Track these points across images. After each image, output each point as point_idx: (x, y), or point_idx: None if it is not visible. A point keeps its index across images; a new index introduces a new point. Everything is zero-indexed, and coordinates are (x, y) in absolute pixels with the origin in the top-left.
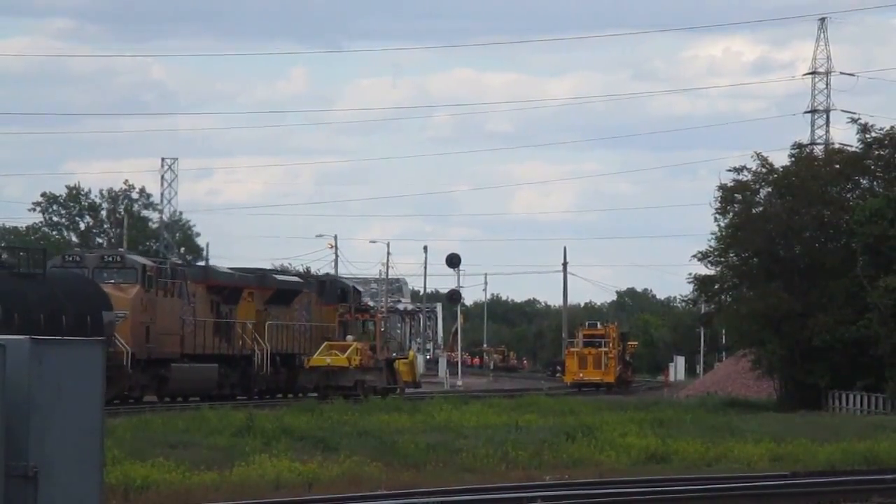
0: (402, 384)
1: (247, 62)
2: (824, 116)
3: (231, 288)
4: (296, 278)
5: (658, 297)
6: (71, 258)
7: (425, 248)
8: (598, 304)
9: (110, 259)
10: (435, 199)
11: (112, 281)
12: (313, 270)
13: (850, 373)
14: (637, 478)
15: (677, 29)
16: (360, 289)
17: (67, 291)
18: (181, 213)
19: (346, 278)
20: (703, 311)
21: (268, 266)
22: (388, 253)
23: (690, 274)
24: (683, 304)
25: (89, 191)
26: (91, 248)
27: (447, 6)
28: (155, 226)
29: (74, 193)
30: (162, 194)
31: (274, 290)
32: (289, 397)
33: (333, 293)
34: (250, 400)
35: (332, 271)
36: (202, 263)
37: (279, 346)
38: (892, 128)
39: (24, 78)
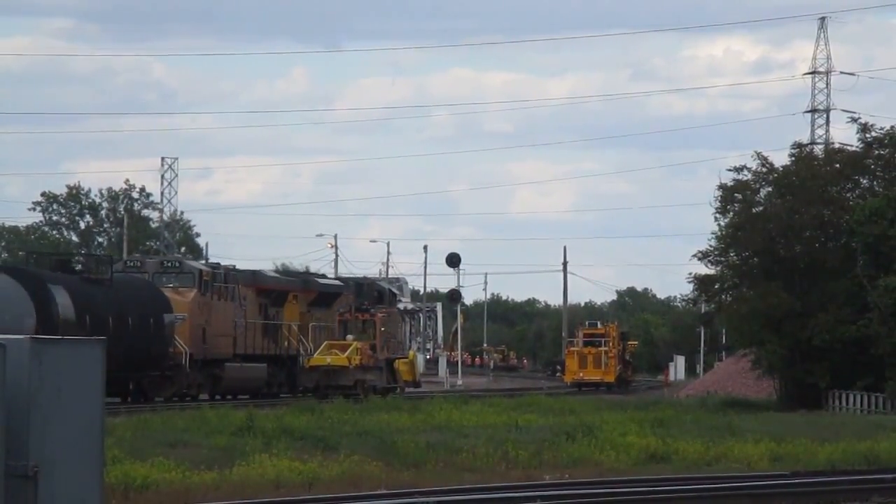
0: (403, 384)
1: (247, 62)
2: (824, 116)
3: (278, 291)
4: (336, 282)
5: (658, 296)
6: (132, 264)
7: (425, 247)
8: (598, 303)
9: (169, 265)
10: (435, 198)
11: (171, 285)
12: (313, 270)
13: (850, 373)
14: (637, 478)
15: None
16: (396, 291)
17: (132, 295)
18: (181, 212)
19: (346, 278)
20: (703, 310)
21: (268, 266)
22: (388, 253)
23: (690, 274)
24: (683, 303)
25: (89, 190)
26: (151, 254)
27: (447, 6)
28: (155, 225)
29: (74, 193)
30: (162, 194)
31: (316, 293)
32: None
33: (371, 295)
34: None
35: (332, 271)
36: (252, 268)
37: (321, 346)
38: (892, 127)
39: (24, 78)
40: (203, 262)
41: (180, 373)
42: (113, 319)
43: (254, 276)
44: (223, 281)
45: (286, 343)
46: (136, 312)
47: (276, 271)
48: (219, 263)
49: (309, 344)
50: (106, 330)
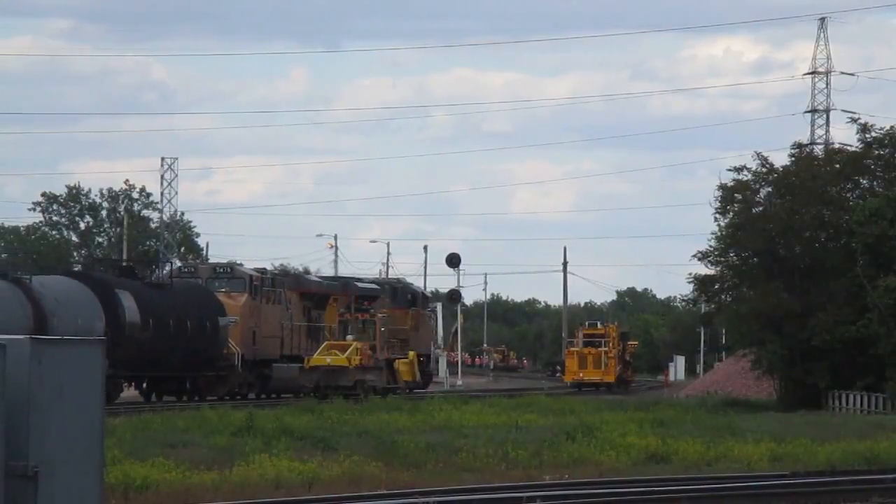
0: (403, 384)
1: (247, 62)
2: (824, 116)
3: (320, 295)
4: (373, 285)
5: (658, 297)
6: (186, 269)
7: (425, 247)
8: (598, 304)
9: (221, 270)
10: (434, 198)
11: (223, 290)
12: (313, 270)
13: (850, 373)
14: (637, 478)
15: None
16: (428, 294)
17: (190, 299)
18: (181, 212)
19: (345, 278)
20: (703, 310)
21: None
22: (388, 253)
23: (690, 274)
24: (683, 304)
25: (89, 191)
26: (203, 261)
27: (446, 6)
28: (155, 226)
29: (74, 193)
30: (162, 194)
31: (355, 296)
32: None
33: (404, 298)
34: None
35: (333, 271)
36: (295, 272)
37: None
38: (892, 127)
39: (24, 78)
40: (252, 267)
41: (233, 373)
42: (173, 322)
43: (298, 281)
44: (271, 285)
45: None
46: (194, 316)
47: (354, 278)
48: (266, 269)
49: (382, 346)
50: (167, 332)
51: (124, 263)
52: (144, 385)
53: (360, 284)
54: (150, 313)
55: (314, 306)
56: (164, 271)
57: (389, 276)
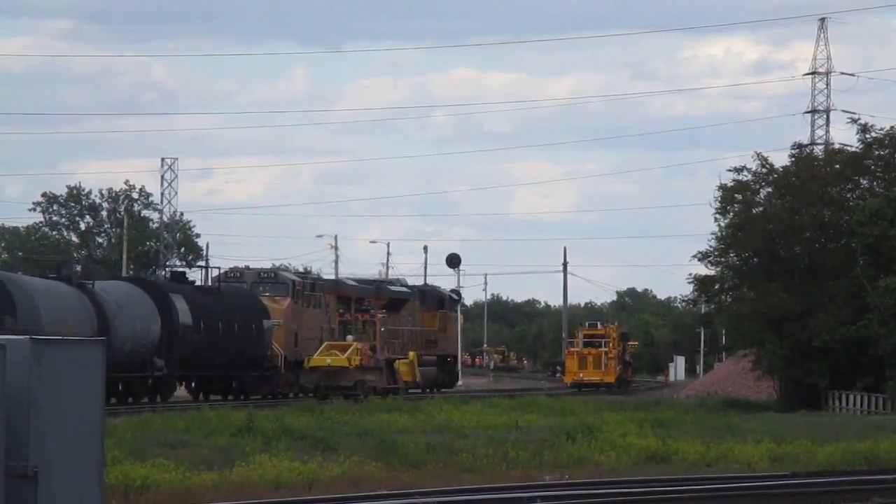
0: (403, 384)
1: (247, 62)
2: (824, 116)
3: (355, 298)
4: (404, 288)
5: (658, 297)
6: (232, 274)
7: (425, 248)
8: (598, 304)
9: (266, 275)
10: (435, 199)
11: (267, 294)
12: (314, 270)
13: (850, 373)
14: (637, 478)
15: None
16: (456, 297)
17: (237, 303)
18: (181, 213)
19: (378, 281)
20: (703, 311)
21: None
22: (388, 253)
23: (690, 274)
24: (683, 304)
25: (89, 191)
26: (249, 267)
27: (447, 6)
28: (155, 226)
29: (74, 193)
30: (162, 194)
31: (388, 299)
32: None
33: (433, 300)
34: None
35: (333, 271)
36: (332, 277)
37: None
38: (892, 128)
39: (24, 78)
40: (294, 272)
41: (276, 373)
42: (222, 325)
43: (335, 285)
44: (311, 290)
45: None
46: (241, 319)
47: (387, 282)
48: (306, 273)
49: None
50: (217, 334)
51: (172, 269)
52: (193, 384)
53: (392, 288)
54: (201, 316)
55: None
56: (213, 276)
57: (389, 276)
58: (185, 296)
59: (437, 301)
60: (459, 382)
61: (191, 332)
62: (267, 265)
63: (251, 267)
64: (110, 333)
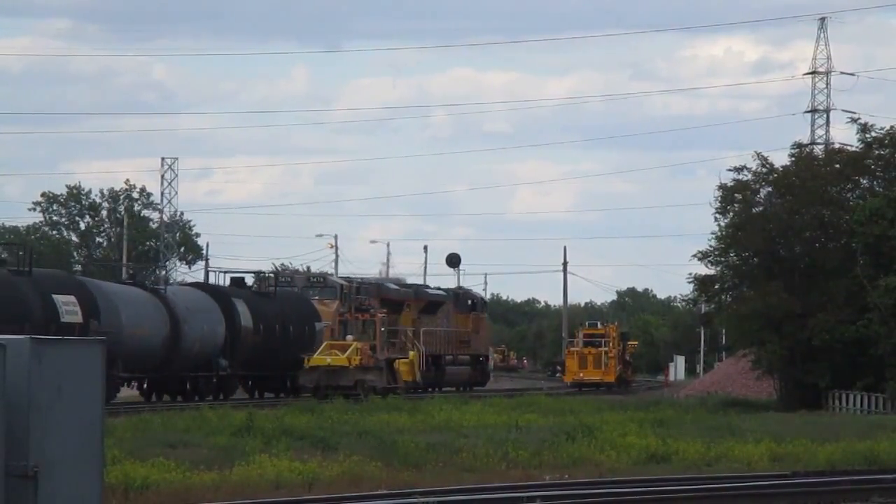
0: (403, 384)
1: (247, 62)
2: (824, 116)
3: (397, 301)
4: (440, 291)
5: (658, 297)
6: (284, 279)
7: (425, 248)
8: (598, 303)
9: (315, 280)
10: (434, 199)
11: (317, 297)
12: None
13: (850, 373)
14: (637, 478)
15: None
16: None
17: (291, 306)
18: (181, 212)
19: (416, 285)
20: (703, 310)
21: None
22: (388, 253)
23: (690, 274)
24: (683, 304)
25: (89, 191)
26: (300, 271)
27: (446, 6)
28: (155, 226)
29: (74, 193)
30: (162, 194)
31: (426, 301)
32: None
33: (465, 303)
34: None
35: (333, 271)
36: (376, 280)
37: (429, 348)
38: (892, 127)
39: (24, 78)
40: (341, 276)
41: None
42: (278, 327)
43: (378, 288)
44: (357, 293)
45: (404, 346)
46: (294, 321)
47: (423, 286)
48: (351, 278)
49: (421, 346)
50: (274, 336)
51: (231, 275)
52: (250, 383)
53: (429, 291)
54: (260, 319)
55: (391, 311)
56: (268, 281)
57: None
58: (245, 300)
59: (469, 303)
60: (491, 379)
61: (251, 334)
62: (266, 265)
63: (294, 266)
64: (181, 336)
